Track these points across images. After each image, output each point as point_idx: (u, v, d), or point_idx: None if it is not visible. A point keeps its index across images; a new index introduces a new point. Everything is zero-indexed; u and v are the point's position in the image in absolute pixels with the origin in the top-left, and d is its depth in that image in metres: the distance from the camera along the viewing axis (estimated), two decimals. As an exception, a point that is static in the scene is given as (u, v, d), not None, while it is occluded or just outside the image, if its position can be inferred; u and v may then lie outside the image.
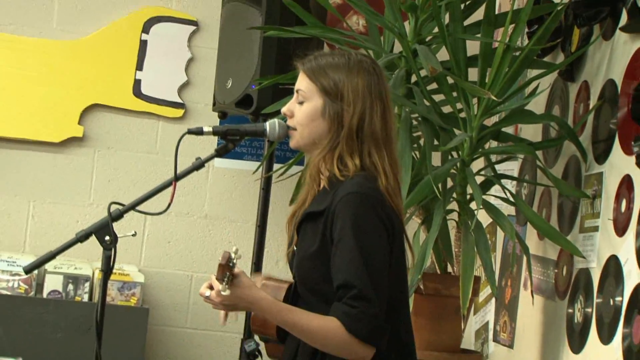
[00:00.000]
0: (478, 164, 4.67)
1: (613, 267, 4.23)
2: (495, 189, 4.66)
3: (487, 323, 5.31)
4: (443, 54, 4.60)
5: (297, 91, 3.51)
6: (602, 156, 4.41)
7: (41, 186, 5.64)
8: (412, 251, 3.64)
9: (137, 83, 5.71)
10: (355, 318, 3.29)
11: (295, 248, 3.51)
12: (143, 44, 5.71)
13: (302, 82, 3.50)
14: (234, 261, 3.27)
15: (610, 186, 4.30)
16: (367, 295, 3.29)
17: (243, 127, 3.78)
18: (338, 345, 3.32)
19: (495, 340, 5.22)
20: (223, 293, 3.28)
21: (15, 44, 5.64)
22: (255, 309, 3.39)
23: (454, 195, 4.56)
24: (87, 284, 5.19)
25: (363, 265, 3.30)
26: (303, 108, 3.48)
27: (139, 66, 5.71)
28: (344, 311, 3.29)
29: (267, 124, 3.62)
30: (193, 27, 5.74)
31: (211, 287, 3.34)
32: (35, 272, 4.96)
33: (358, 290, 3.28)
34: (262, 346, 3.64)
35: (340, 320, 3.30)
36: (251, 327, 3.62)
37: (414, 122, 4.55)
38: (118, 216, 3.66)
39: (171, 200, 3.67)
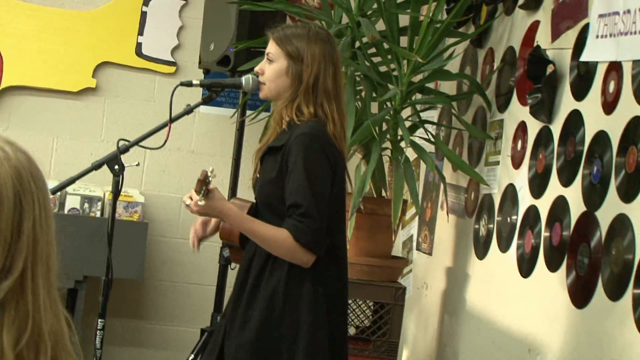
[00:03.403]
0: (407, 112, 4.68)
1: (510, 193, 4.26)
2: (420, 132, 4.68)
3: (412, 236, 5.34)
4: (380, 25, 4.60)
5: (267, 54, 3.52)
6: (503, 106, 4.43)
7: (62, 126, 5.61)
8: (351, 182, 3.68)
9: (138, 45, 5.66)
10: (301, 230, 3.32)
11: (258, 175, 3.53)
12: (143, 15, 5.67)
13: (272, 47, 3.51)
14: (210, 179, 3.30)
15: (509, 130, 4.33)
16: (311, 213, 3.32)
17: (223, 81, 3.79)
18: (286, 250, 3.35)
19: (418, 249, 5.25)
20: (200, 203, 3.32)
21: (42, 13, 5.58)
22: (224, 217, 3.42)
23: (388, 136, 4.57)
24: (99, 203, 5.18)
25: (309, 190, 3.33)
26: (271, 67, 3.49)
27: (140, 32, 5.66)
28: (293, 224, 3.33)
29: (243, 79, 3.63)
30: (183, 2, 5.69)
31: (191, 198, 3.38)
32: (59, 193, 4.95)
33: (305, 209, 3.32)
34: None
35: (290, 231, 3.34)
36: (219, 235, 3.64)
37: (357, 79, 4.55)
38: (124, 150, 3.67)
39: (167, 138, 3.68)
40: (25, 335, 1.35)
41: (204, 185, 3.31)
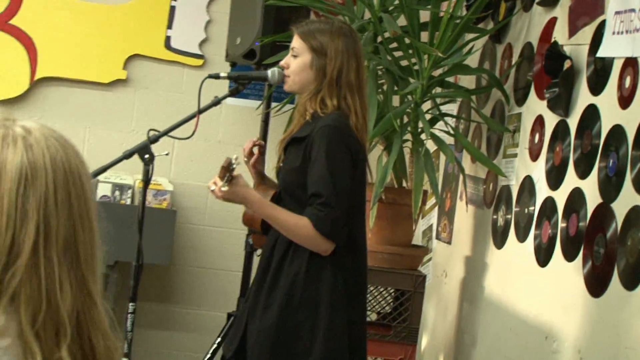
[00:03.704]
0: (427, 105, 4.68)
1: (528, 185, 4.26)
2: (440, 124, 4.68)
3: (432, 225, 5.34)
4: (402, 21, 4.60)
5: (292, 48, 3.53)
6: (521, 100, 4.43)
7: (94, 116, 5.63)
8: (371, 174, 3.69)
9: (167, 39, 5.68)
10: (320, 219, 3.34)
11: (282, 164, 3.55)
12: (172, 9, 5.68)
13: (296, 42, 3.52)
14: (234, 166, 3.32)
15: (527, 123, 4.33)
16: (331, 203, 3.34)
17: (250, 73, 3.82)
18: (307, 237, 3.37)
19: (437, 238, 5.26)
20: (223, 189, 3.34)
21: (75, 6, 5.60)
22: (247, 203, 3.44)
23: (409, 128, 4.57)
24: (129, 191, 5.20)
25: (330, 180, 3.35)
26: (296, 61, 3.51)
27: (169, 25, 5.68)
28: (313, 213, 3.35)
29: (269, 72, 3.65)
30: (211, -4, 5.72)
31: (216, 184, 3.40)
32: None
33: (325, 198, 3.34)
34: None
35: (310, 220, 3.35)
36: (242, 220, 3.66)
37: (379, 73, 4.56)
38: (154, 140, 3.69)
39: (195, 128, 3.70)
40: (41, 314, 1.36)
41: (227, 172, 3.33)
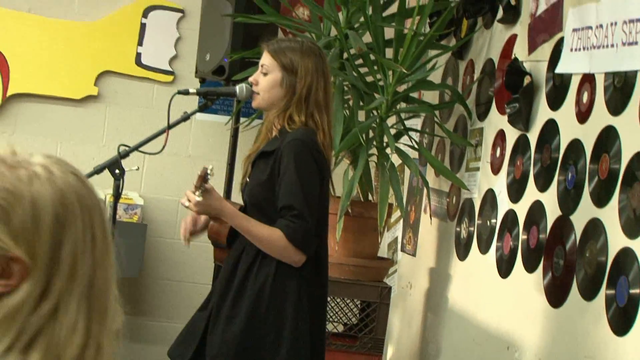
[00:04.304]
0: (392, 120, 4.69)
1: (490, 197, 4.28)
2: (404, 139, 4.69)
3: (397, 238, 5.35)
4: (367, 38, 4.61)
5: (261, 65, 3.53)
6: (483, 115, 4.45)
7: (65, 132, 5.61)
8: (333, 188, 3.69)
9: (138, 55, 5.67)
10: (293, 230, 3.33)
11: (247, 179, 3.54)
12: (143, 26, 5.67)
13: (266, 59, 3.51)
14: (208, 176, 3.30)
15: (489, 137, 4.35)
16: (303, 214, 3.34)
17: (218, 89, 3.82)
18: (280, 248, 3.36)
19: (402, 250, 5.26)
20: (198, 199, 3.32)
21: (47, 24, 5.58)
22: (222, 214, 3.42)
23: (374, 143, 4.58)
24: (100, 205, 5.18)
25: (301, 193, 3.34)
26: (266, 78, 3.50)
27: (140, 42, 5.67)
28: (286, 225, 3.34)
29: (237, 88, 3.64)
30: (180, 14, 5.70)
31: (189, 200, 3.39)
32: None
33: (297, 210, 3.34)
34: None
35: (283, 231, 3.34)
36: (208, 234, 3.64)
37: (345, 89, 4.56)
38: (125, 155, 3.67)
39: (165, 143, 3.69)
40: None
41: (203, 181, 3.32)
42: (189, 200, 3.37)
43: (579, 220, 3.48)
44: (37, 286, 1.29)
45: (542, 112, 3.87)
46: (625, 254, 3.16)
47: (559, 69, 3.70)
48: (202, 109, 3.78)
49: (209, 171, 3.29)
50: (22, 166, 1.32)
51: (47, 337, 1.29)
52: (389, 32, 4.65)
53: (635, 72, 3.23)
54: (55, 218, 1.30)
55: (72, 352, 1.30)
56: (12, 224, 1.28)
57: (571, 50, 3.62)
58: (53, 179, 1.32)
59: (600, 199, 3.36)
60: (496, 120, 4.28)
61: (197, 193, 3.31)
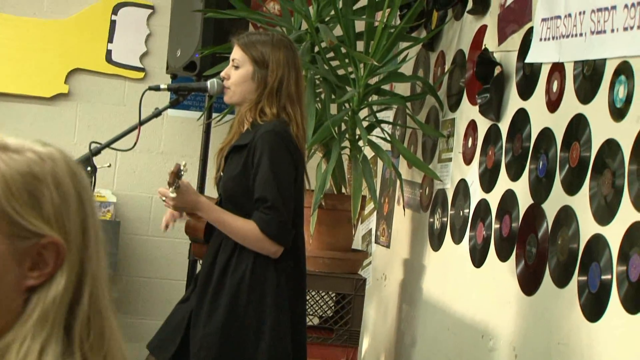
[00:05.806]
0: (364, 113, 4.70)
1: (462, 188, 4.30)
2: (377, 131, 4.71)
3: (371, 230, 5.36)
4: (338, 31, 4.63)
5: (232, 60, 3.53)
6: (454, 106, 4.47)
7: (37, 130, 5.59)
8: (309, 181, 3.70)
9: (108, 52, 5.65)
10: (267, 222, 3.34)
11: (221, 173, 3.54)
12: (113, 23, 5.66)
13: (237, 53, 3.51)
14: (182, 172, 3.30)
15: (460, 128, 4.37)
16: (277, 206, 3.34)
17: (190, 85, 3.80)
18: (255, 240, 3.37)
19: (376, 242, 5.28)
20: (171, 195, 3.32)
21: (16, 22, 5.56)
22: (197, 208, 3.42)
23: (347, 135, 4.59)
24: (73, 203, 5.16)
25: (275, 184, 3.35)
26: (237, 72, 3.50)
27: (110, 39, 5.65)
28: (259, 216, 3.35)
29: (208, 83, 3.64)
30: (150, 10, 5.69)
31: (166, 196, 3.39)
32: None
33: (271, 202, 3.34)
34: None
35: (257, 223, 3.35)
36: (185, 229, 3.65)
37: (317, 82, 4.57)
38: (96, 152, 3.66)
39: (137, 140, 3.68)
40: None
41: (176, 177, 3.31)
42: (165, 197, 3.37)
43: (551, 208, 3.50)
44: (72, 272, 1.26)
45: (513, 102, 3.90)
46: (597, 240, 3.18)
47: (528, 59, 3.73)
48: (174, 104, 3.77)
49: (182, 167, 3.29)
50: (26, 149, 1.29)
51: (95, 333, 1.29)
52: (360, 25, 4.66)
53: (604, 60, 3.25)
54: (76, 193, 1.28)
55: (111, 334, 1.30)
56: (44, 207, 1.25)
57: (540, 39, 3.64)
58: (57, 156, 1.29)
59: (572, 187, 3.39)
60: (467, 111, 4.30)
61: (170, 189, 3.31)
